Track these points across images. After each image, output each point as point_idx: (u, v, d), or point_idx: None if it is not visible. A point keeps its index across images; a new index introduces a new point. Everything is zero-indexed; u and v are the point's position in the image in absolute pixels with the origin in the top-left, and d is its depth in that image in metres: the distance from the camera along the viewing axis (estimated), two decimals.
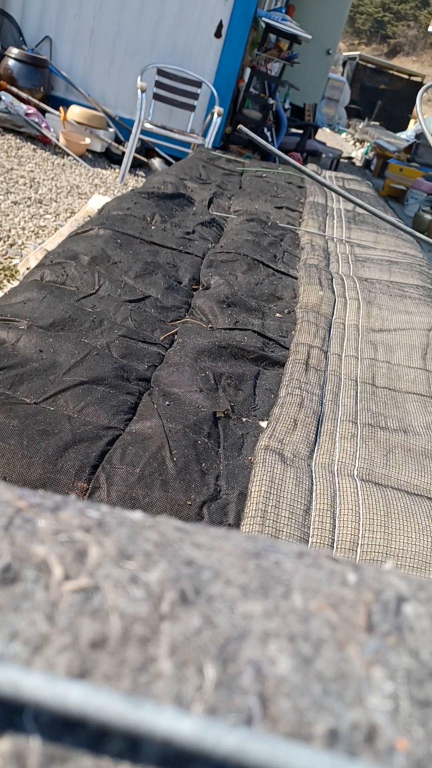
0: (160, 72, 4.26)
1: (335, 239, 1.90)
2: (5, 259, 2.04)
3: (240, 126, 1.71)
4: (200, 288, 1.36)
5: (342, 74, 12.52)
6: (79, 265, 1.24)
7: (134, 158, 4.16)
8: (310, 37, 5.25)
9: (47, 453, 0.73)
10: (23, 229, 2.37)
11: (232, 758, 0.17)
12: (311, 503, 0.73)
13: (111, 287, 1.20)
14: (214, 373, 1.01)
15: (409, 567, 0.67)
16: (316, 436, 0.89)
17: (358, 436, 0.90)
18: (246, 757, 0.17)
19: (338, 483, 0.77)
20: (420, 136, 7.25)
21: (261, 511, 0.70)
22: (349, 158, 8.94)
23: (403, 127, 10.95)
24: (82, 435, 0.78)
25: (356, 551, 0.68)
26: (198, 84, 4.31)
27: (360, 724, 0.19)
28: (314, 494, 0.74)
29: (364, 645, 0.21)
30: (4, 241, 2.19)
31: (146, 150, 4.64)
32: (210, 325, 1.19)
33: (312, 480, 0.77)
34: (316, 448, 0.86)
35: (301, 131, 6.44)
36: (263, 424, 0.94)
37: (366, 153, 8.76)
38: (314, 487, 0.76)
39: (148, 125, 3.98)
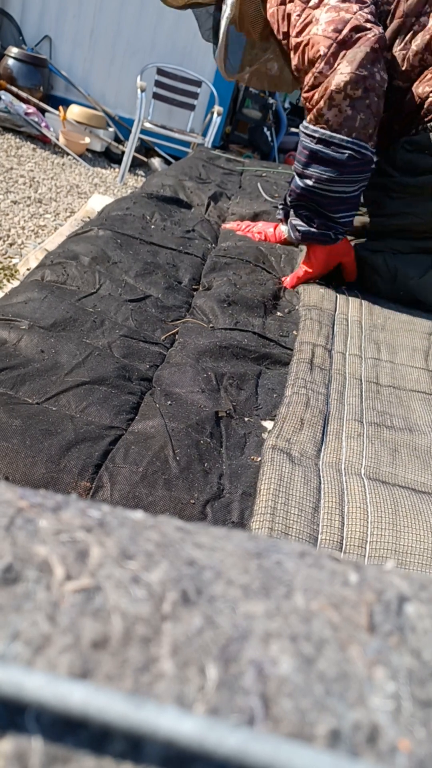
0: (160, 71, 4.25)
1: None
2: (5, 258, 2.04)
3: None
4: (201, 289, 1.36)
5: None
6: (80, 265, 1.24)
7: (134, 158, 4.16)
8: None
9: (50, 452, 0.73)
10: (23, 228, 2.37)
11: (234, 758, 0.17)
12: (320, 501, 0.73)
13: (111, 287, 1.20)
14: (215, 373, 1.01)
15: (418, 564, 0.67)
16: (323, 435, 0.89)
17: (365, 435, 0.90)
18: (248, 758, 0.17)
19: (346, 481, 0.77)
20: None
21: (270, 508, 0.70)
22: None
23: None
24: (85, 435, 0.78)
25: (365, 548, 0.68)
26: (198, 83, 4.30)
27: (362, 724, 0.19)
28: (322, 492, 0.75)
29: (366, 645, 0.21)
30: (4, 241, 2.19)
31: (146, 149, 4.64)
32: (211, 325, 1.19)
33: (320, 478, 0.77)
34: (323, 447, 0.86)
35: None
36: (266, 423, 0.94)
37: None
38: (322, 485, 0.76)
39: (147, 125, 3.97)
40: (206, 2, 1.55)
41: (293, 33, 1.24)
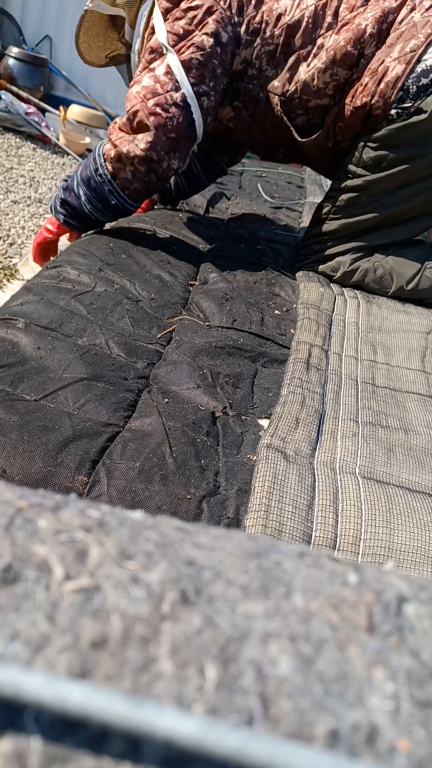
0: None
1: None
2: (5, 258, 2.04)
3: None
4: (197, 283, 1.36)
5: None
6: (76, 266, 1.24)
7: None
8: None
9: (47, 448, 0.73)
10: (23, 228, 2.37)
11: (233, 759, 0.17)
12: (314, 499, 0.73)
13: (107, 285, 1.20)
14: (211, 371, 1.01)
15: (412, 561, 0.67)
16: (318, 434, 0.89)
17: (360, 435, 0.90)
18: (247, 758, 0.17)
19: (340, 480, 0.78)
20: None
21: (265, 505, 0.70)
22: None
23: None
24: (83, 431, 0.78)
25: (359, 546, 0.68)
26: None
27: (361, 724, 0.19)
28: (317, 490, 0.75)
29: (365, 645, 0.21)
30: (4, 240, 2.19)
31: None
32: (207, 323, 1.19)
33: (314, 477, 0.77)
34: (318, 446, 0.86)
35: None
36: (262, 422, 0.94)
37: None
38: (317, 483, 0.76)
39: None
40: (124, 56, 1.66)
41: (131, 84, 1.38)
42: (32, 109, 3.98)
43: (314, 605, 0.22)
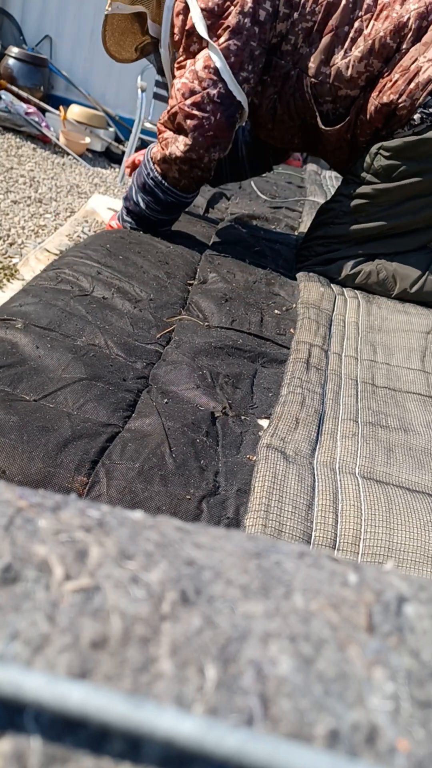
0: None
1: None
2: (5, 258, 2.04)
3: None
4: (196, 283, 1.36)
5: None
6: (74, 267, 1.24)
7: None
8: None
9: (47, 448, 0.73)
10: (23, 228, 2.37)
11: (233, 759, 0.17)
12: (314, 499, 0.74)
13: (106, 286, 1.20)
14: (211, 371, 1.01)
15: (412, 561, 0.67)
16: (318, 434, 0.89)
17: (359, 435, 0.90)
18: (247, 758, 0.17)
19: (340, 480, 0.78)
20: None
21: (264, 505, 0.70)
22: None
23: None
24: (82, 431, 0.78)
25: (359, 545, 0.69)
26: None
27: (361, 724, 0.19)
28: (316, 490, 0.75)
29: (365, 645, 0.21)
30: (4, 240, 2.19)
31: None
32: (206, 323, 1.19)
33: (314, 477, 0.77)
34: (317, 446, 0.86)
35: None
36: (261, 422, 0.94)
37: None
38: (316, 483, 0.76)
39: (148, 125, 3.97)
40: (150, 47, 1.65)
41: (175, 67, 1.40)
42: (32, 109, 3.98)
43: (314, 605, 0.22)
